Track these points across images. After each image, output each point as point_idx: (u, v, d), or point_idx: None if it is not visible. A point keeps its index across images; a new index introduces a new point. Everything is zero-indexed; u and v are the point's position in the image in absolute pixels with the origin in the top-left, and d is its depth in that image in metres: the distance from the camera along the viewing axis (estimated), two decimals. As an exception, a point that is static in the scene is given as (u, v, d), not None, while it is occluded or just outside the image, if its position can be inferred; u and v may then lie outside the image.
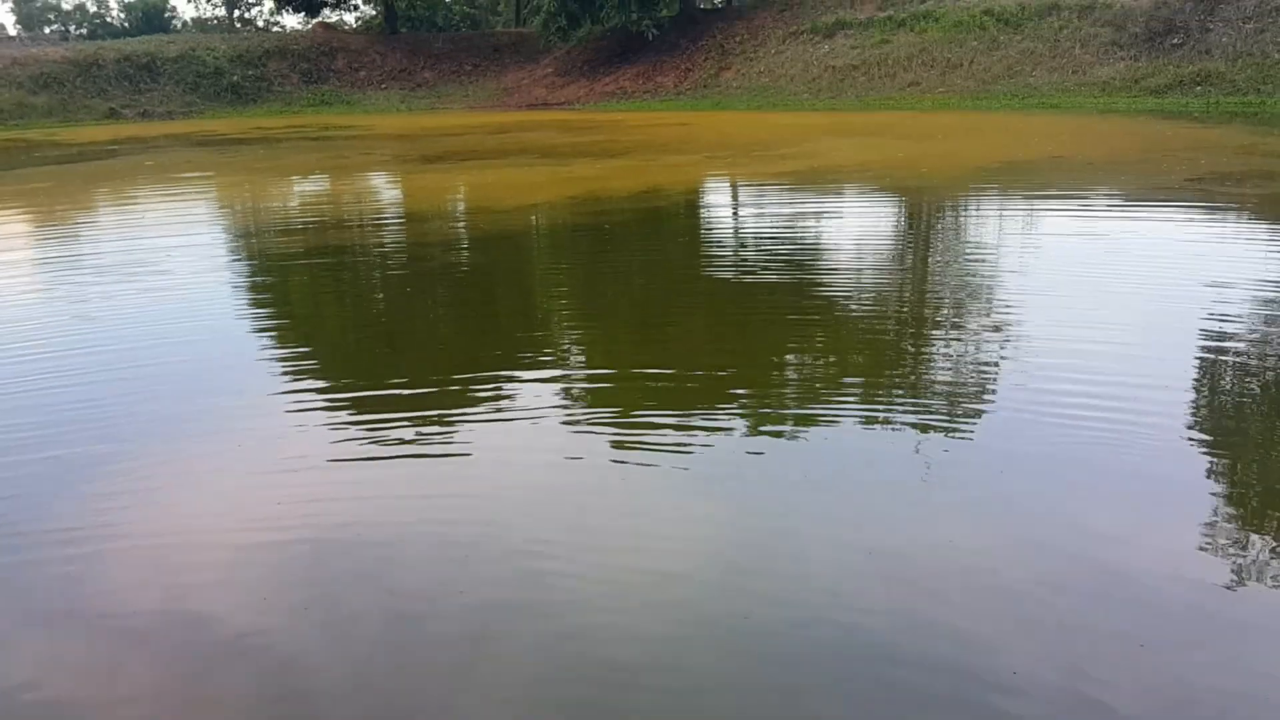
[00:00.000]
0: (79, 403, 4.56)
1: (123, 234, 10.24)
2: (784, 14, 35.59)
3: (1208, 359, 4.64)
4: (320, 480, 3.60)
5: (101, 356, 5.34)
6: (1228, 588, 2.69)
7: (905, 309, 5.88)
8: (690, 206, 10.97)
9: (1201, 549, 2.91)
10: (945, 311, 5.74)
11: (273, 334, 5.93)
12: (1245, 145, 14.06)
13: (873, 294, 6.36)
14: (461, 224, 10.47)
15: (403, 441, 3.92)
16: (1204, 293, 5.77)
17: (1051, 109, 22.74)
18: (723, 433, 3.90)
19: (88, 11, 74.65)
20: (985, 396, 4.24)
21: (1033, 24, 27.36)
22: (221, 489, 3.57)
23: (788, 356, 5.08)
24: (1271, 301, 5.63)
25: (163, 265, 7.95)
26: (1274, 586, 2.72)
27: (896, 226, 9.00)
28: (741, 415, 4.13)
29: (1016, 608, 2.64)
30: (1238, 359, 4.64)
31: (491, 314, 6.41)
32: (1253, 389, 4.35)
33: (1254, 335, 5.03)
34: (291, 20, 55.00)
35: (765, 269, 7.11)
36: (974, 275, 6.66)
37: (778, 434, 3.91)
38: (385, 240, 9.40)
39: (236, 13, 67.23)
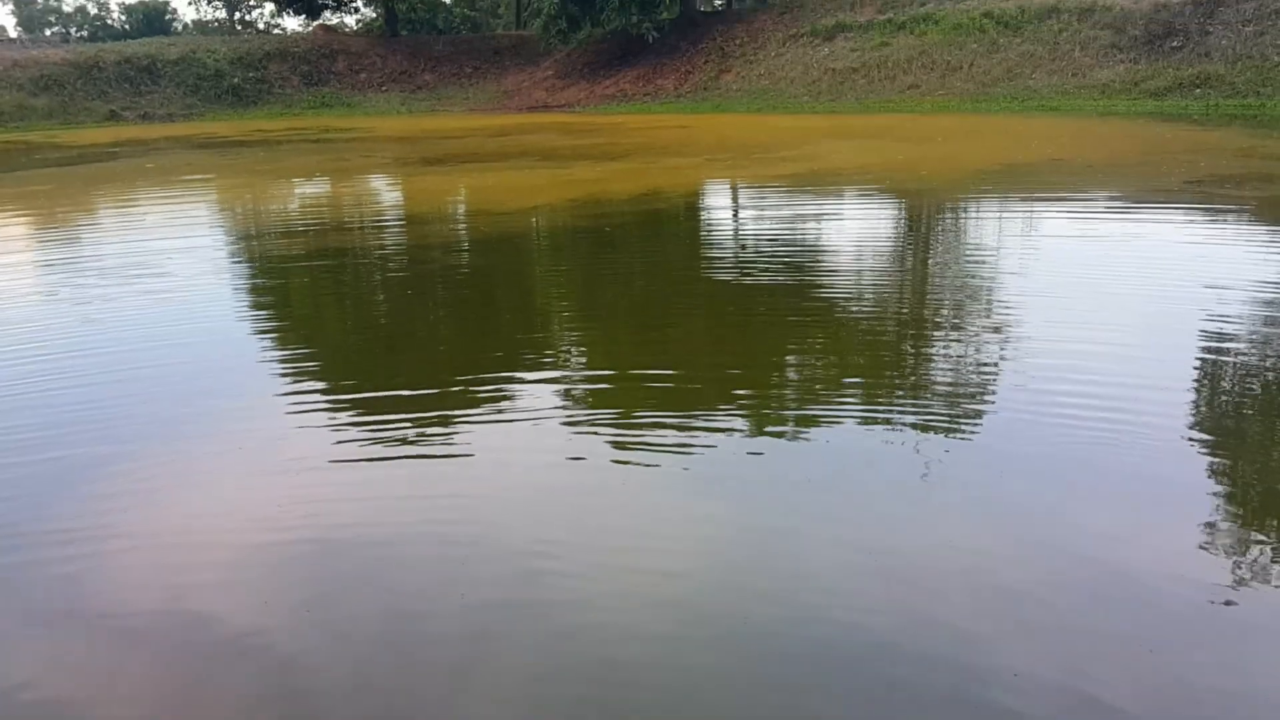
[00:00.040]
0: (79, 404, 4.56)
1: (123, 236, 10.25)
2: (784, 17, 35.64)
3: (1207, 360, 4.64)
4: (321, 481, 3.60)
5: (102, 358, 5.34)
6: (1228, 588, 2.69)
7: (905, 310, 5.88)
8: (690, 209, 10.98)
9: (1201, 549, 2.91)
10: (945, 313, 5.74)
11: (273, 336, 5.93)
12: (1244, 148, 14.08)
13: (873, 296, 6.37)
14: (462, 226, 10.47)
15: (403, 442, 3.92)
16: (1203, 294, 5.77)
17: (1051, 111, 22.76)
18: (723, 433, 3.91)
19: (88, 14, 74.80)
20: (985, 397, 4.24)
21: (1032, 27, 27.39)
22: (222, 490, 3.57)
23: (788, 358, 5.08)
24: (1270, 303, 5.64)
25: (163, 268, 7.95)
26: (1274, 586, 2.72)
27: (896, 229, 9.01)
28: (742, 416, 4.14)
29: (1016, 608, 2.64)
30: (1237, 360, 4.64)
31: (492, 316, 6.41)
32: (1252, 390, 4.35)
33: (1253, 337, 5.04)
34: (292, 23, 55.09)
35: (766, 271, 7.11)
36: (974, 277, 6.67)
37: (778, 434, 3.91)
38: (386, 242, 9.41)
39: (237, 15, 67.33)
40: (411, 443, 3.92)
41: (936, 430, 3.85)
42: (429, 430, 4.08)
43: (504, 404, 4.42)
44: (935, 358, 4.91)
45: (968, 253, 7.56)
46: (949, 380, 4.54)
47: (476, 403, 4.43)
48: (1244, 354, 4.74)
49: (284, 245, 9.16)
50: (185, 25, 69.71)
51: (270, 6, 53.67)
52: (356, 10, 49.47)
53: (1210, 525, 3.05)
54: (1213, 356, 4.69)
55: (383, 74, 42.10)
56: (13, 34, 65.69)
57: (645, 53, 36.73)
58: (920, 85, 27.85)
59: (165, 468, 3.77)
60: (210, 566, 3.01)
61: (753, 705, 2.29)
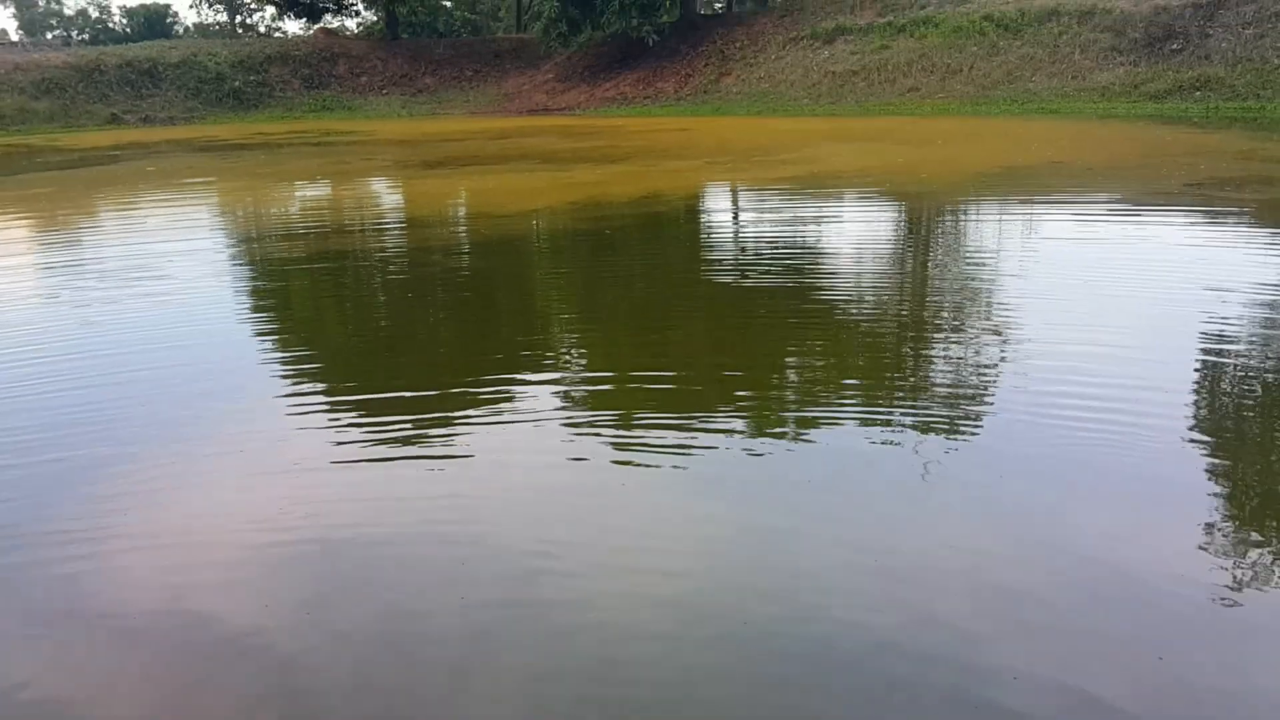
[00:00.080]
0: (80, 406, 4.57)
1: (125, 239, 10.27)
2: (784, 20, 35.71)
3: (1207, 362, 4.65)
4: (321, 482, 3.61)
5: (103, 360, 5.35)
6: (1228, 589, 2.69)
7: (906, 313, 5.89)
8: (691, 212, 10.99)
9: (1201, 550, 2.91)
10: (945, 315, 5.75)
11: (274, 338, 5.94)
12: (1244, 150, 14.09)
13: (873, 298, 6.37)
14: (463, 229, 10.49)
15: (404, 444, 3.93)
16: (1203, 297, 5.78)
17: (1051, 114, 22.78)
18: (723, 434, 3.91)
19: (90, 17, 74.95)
20: (985, 398, 4.25)
21: (1032, 29, 27.43)
22: (222, 491, 3.57)
23: (788, 359, 5.09)
24: (1270, 305, 5.64)
25: (164, 270, 7.96)
26: (1275, 587, 2.72)
27: (897, 231, 9.02)
28: (742, 417, 4.14)
29: (1017, 608, 2.64)
30: (1237, 362, 4.65)
31: (492, 318, 6.42)
32: (1252, 392, 4.35)
33: (1253, 339, 5.04)
34: (293, 26, 55.38)
35: (766, 273, 7.12)
36: (974, 279, 6.67)
37: (778, 436, 3.91)
38: (387, 245, 9.42)
39: (238, 18, 67.46)
40: (412, 444, 3.93)
41: (936, 431, 3.85)
42: (429, 432, 4.08)
43: (504, 405, 4.42)
44: (935, 359, 4.91)
45: (968, 255, 7.57)
46: (949, 381, 4.55)
47: (477, 404, 4.43)
48: (1244, 356, 4.75)
49: (285, 248, 9.17)
50: (186, 28, 69.84)
51: (271, 10, 53.82)
52: (357, 14, 49.63)
53: (1210, 526, 3.05)
54: (1213, 358, 4.70)
55: (383, 77, 42.17)
56: (14, 37, 65.81)
57: (645, 56, 36.79)
58: (920, 88, 27.88)
59: (166, 469, 3.78)
60: (210, 567, 3.02)
61: (753, 705, 2.30)
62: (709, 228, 9.77)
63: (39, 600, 2.86)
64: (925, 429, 3.87)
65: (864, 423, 3.99)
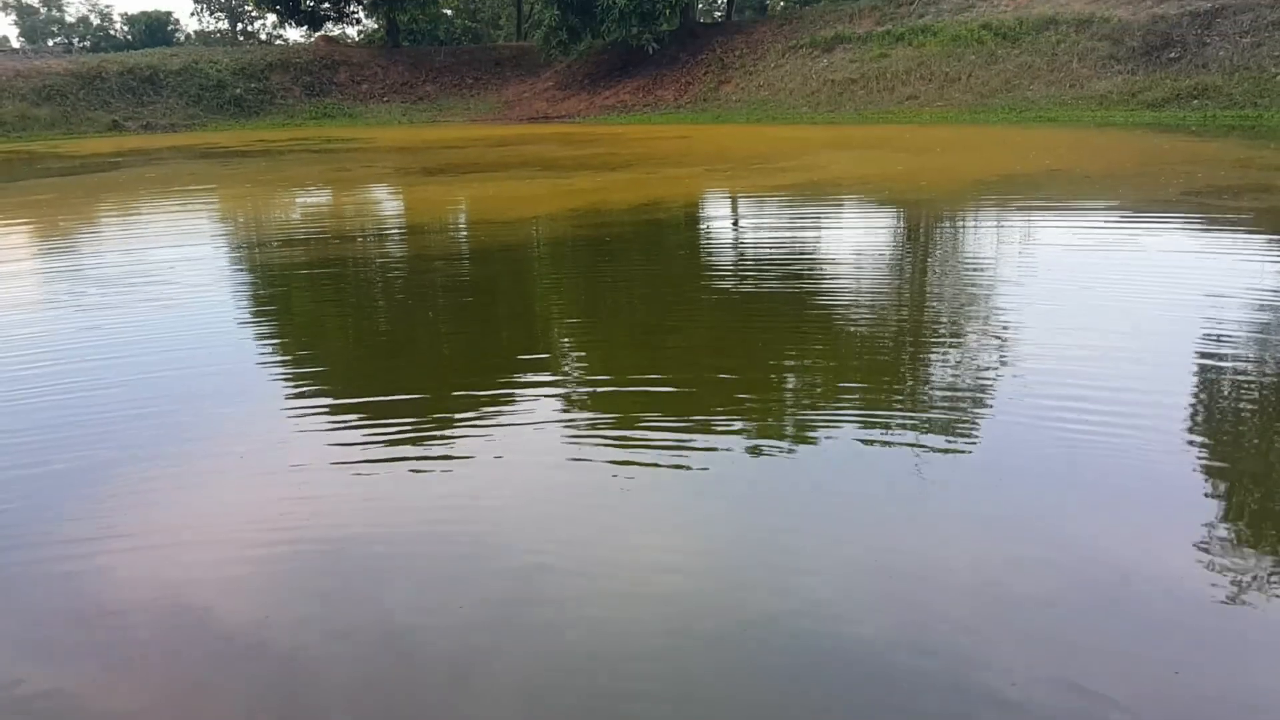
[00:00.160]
0: (82, 409, 4.58)
1: (126, 246, 10.29)
2: (783, 28, 35.86)
3: (1206, 369, 4.67)
4: (322, 485, 3.62)
5: (105, 364, 5.37)
6: (1227, 599, 2.70)
7: (905, 320, 5.91)
8: (690, 219, 11.03)
9: (1201, 555, 2.92)
10: (944, 323, 5.77)
11: (275, 344, 5.96)
12: (1242, 159, 14.14)
13: (872, 306, 6.39)
14: (463, 236, 10.51)
15: (405, 447, 3.94)
16: (1202, 304, 5.80)
17: (1049, 123, 22.86)
18: (723, 442, 3.93)
19: (91, 24, 75.09)
20: (984, 406, 4.26)
21: (1030, 38, 27.54)
22: (224, 494, 3.59)
23: (788, 366, 5.11)
24: (1269, 312, 5.67)
25: (166, 277, 7.98)
26: (1274, 597, 2.73)
27: (896, 238, 9.05)
28: (742, 425, 4.16)
29: (1014, 618, 2.65)
30: (1236, 369, 4.67)
31: (493, 324, 6.44)
32: (1251, 399, 4.37)
33: (1252, 345, 5.07)
34: (294, 33, 55.41)
35: (765, 281, 7.14)
36: (973, 287, 6.70)
37: (778, 443, 3.93)
38: (387, 252, 9.45)
39: (239, 26, 67.67)
40: (412, 447, 3.94)
41: (935, 436, 3.87)
42: (430, 435, 4.10)
43: (504, 409, 4.44)
44: (934, 366, 4.94)
45: (966, 263, 7.60)
46: (948, 386, 4.56)
47: (477, 408, 4.45)
48: (1243, 362, 4.77)
49: (286, 255, 9.19)
50: (188, 36, 70.02)
51: (272, 18, 53.96)
52: (358, 21, 49.82)
53: (1210, 530, 3.06)
54: (1212, 365, 4.72)
55: (384, 85, 42.30)
56: (15, 44, 66.04)
57: (645, 64, 36.92)
58: (919, 96, 27.98)
59: (167, 471, 3.79)
60: (211, 570, 3.03)
61: (751, 708, 2.31)
62: (709, 235, 9.81)
63: (40, 601, 2.88)
64: (924, 433, 3.89)
65: (863, 427, 4.01)
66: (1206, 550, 2.96)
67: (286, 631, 2.68)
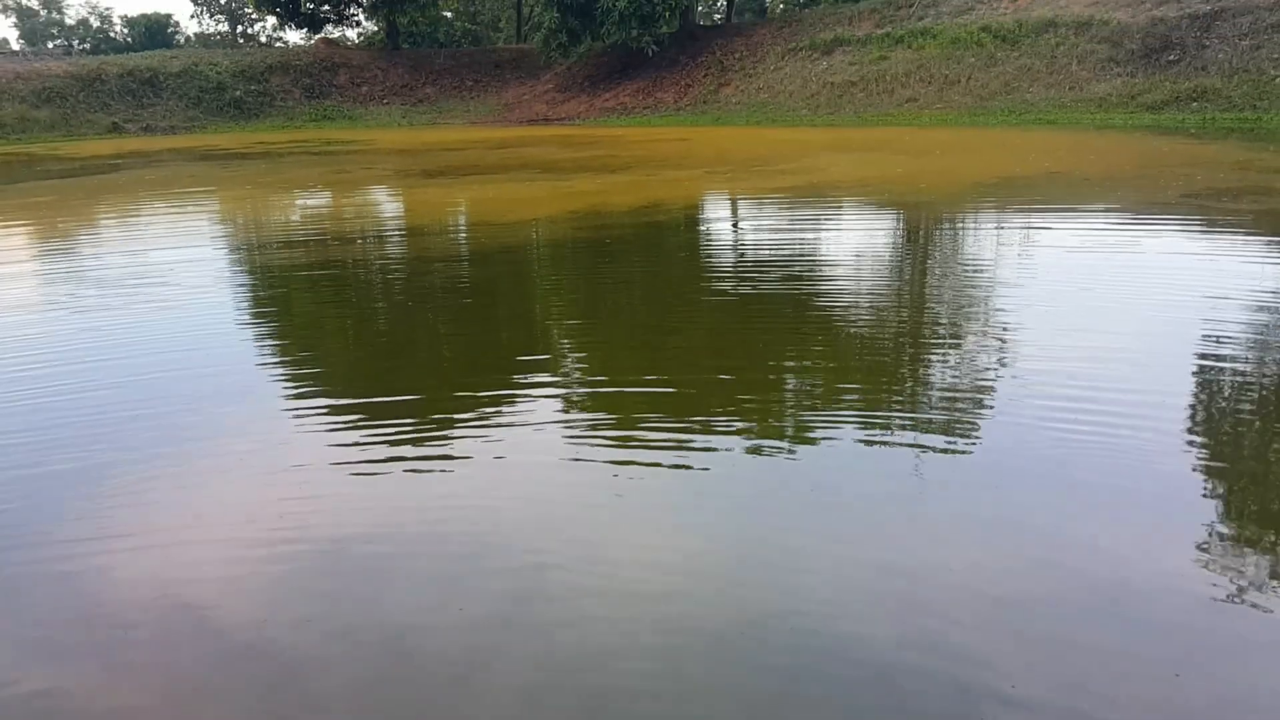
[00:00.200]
0: (82, 410, 4.58)
1: (126, 247, 10.29)
2: (783, 30, 35.90)
3: (1205, 371, 4.67)
4: (322, 487, 3.62)
5: (105, 365, 5.37)
6: (1226, 601, 2.70)
7: (904, 323, 5.91)
8: (690, 221, 11.03)
9: (1201, 562, 2.92)
10: (944, 325, 5.78)
11: (274, 346, 5.96)
12: (1241, 161, 14.15)
13: (872, 308, 6.40)
14: (463, 238, 10.52)
15: (404, 449, 3.94)
16: (1201, 306, 5.81)
17: (1048, 125, 22.88)
18: (723, 443, 3.93)
19: (91, 26, 75.12)
20: (983, 409, 4.27)
21: (1030, 41, 27.57)
22: (224, 496, 3.59)
23: (787, 368, 5.11)
24: (1268, 314, 5.67)
25: (165, 278, 7.99)
26: (1274, 598, 2.73)
27: (895, 241, 9.05)
28: (741, 428, 4.16)
29: (1014, 618, 2.65)
30: (1235, 371, 4.67)
31: (493, 326, 6.44)
32: (1250, 400, 4.37)
33: (1251, 348, 5.07)
34: (294, 36, 55.49)
35: (765, 282, 7.15)
36: (972, 288, 6.71)
37: (777, 444, 3.93)
38: (387, 254, 9.45)
39: (239, 28, 67.74)
40: (412, 449, 3.94)
41: (934, 442, 3.87)
42: (430, 436, 4.10)
43: (504, 411, 4.44)
44: (934, 370, 4.94)
45: (966, 265, 7.60)
46: (947, 392, 4.57)
47: (477, 413, 4.45)
48: (1243, 364, 4.77)
49: (285, 256, 9.20)
50: (187, 38, 70.06)
51: (272, 20, 53.97)
52: (358, 24, 49.82)
53: (1209, 537, 3.06)
54: (1211, 367, 4.72)
55: (384, 87, 42.33)
56: (15, 46, 66.05)
57: (645, 66, 36.96)
58: (918, 99, 28.01)
59: (167, 473, 3.79)
60: (211, 571, 3.03)
61: (750, 711, 2.31)
62: (708, 237, 9.81)
63: (40, 601, 2.88)
64: (923, 440, 3.89)
65: (863, 433, 4.01)
66: (1206, 550, 2.96)
67: (287, 631, 2.68)
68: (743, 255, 8.49)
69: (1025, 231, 9.05)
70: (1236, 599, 2.71)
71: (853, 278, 7.36)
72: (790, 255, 8.24)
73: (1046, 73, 26.25)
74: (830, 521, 3.24)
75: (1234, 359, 4.85)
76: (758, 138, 23.47)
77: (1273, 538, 3.08)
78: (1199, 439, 3.85)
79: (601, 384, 4.92)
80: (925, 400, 4.40)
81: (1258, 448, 3.85)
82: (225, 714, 2.37)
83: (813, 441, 3.94)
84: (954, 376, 4.76)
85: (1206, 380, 4.55)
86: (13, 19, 74.62)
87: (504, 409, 4.48)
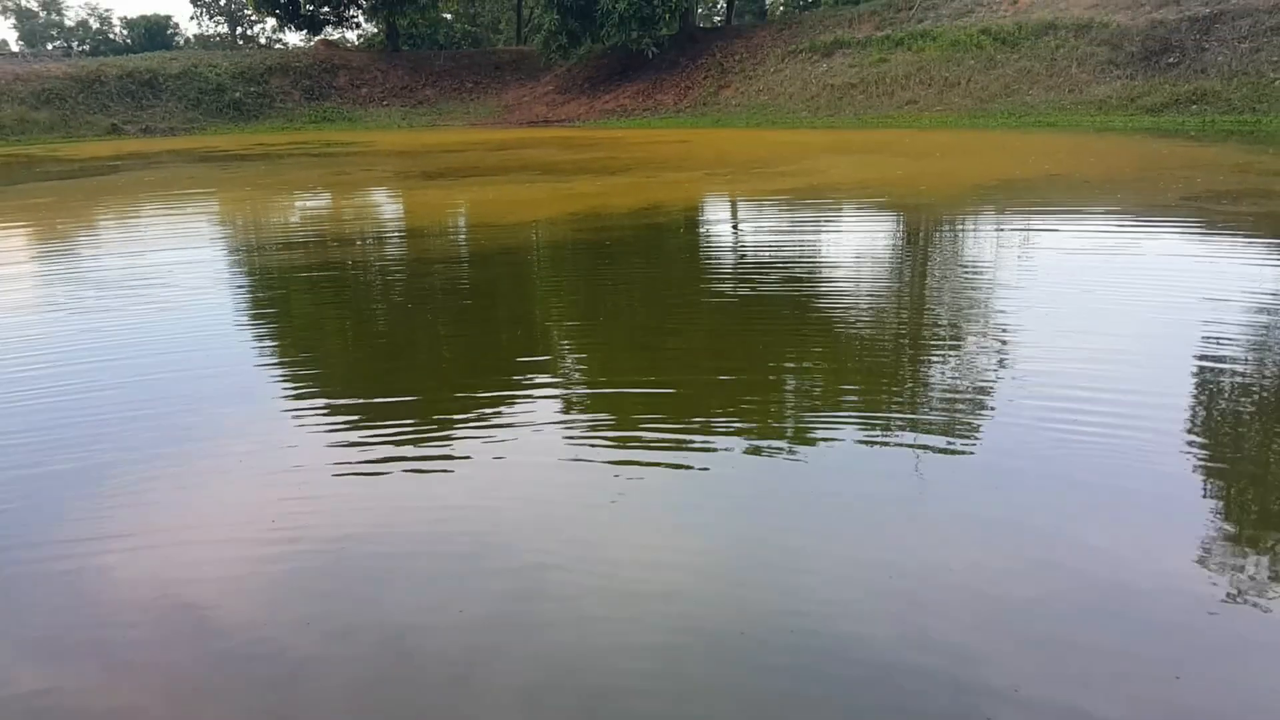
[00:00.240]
0: (82, 411, 4.58)
1: (125, 249, 10.29)
2: (783, 33, 35.92)
3: (1205, 373, 4.67)
4: (322, 490, 3.62)
5: (105, 366, 5.37)
6: (1227, 602, 2.70)
7: (904, 325, 5.92)
8: (690, 223, 11.04)
9: (1201, 562, 2.92)
10: (944, 327, 5.78)
11: (275, 347, 5.96)
12: (1241, 163, 14.16)
13: (873, 310, 6.40)
14: (463, 240, 10.52)
15: (404, 450, 3.94)
16: (1201, 308, 5.81)
17: (1048, 127, 22.89)
18: (723, 443, 3.93)
19: (90, 28, 75.18)
20: (983, 411, 4.27)
21: (1029, 43, 27.59)
22: (223, 497, 3.59)
23: (787, 369, 5.11)
24: (1267, 315, 5.67)
25: (165, 280, 7.99)
26: (1273, 600, 2.73)
27: (895, 243, 9.06)
28: (741, 429, 4.16)
29: (1014, 618, 2.65)
30: (1235, 373, 4.67)
31: (492, 328, 6.44)
32: (1250, 402, 4.37)
33: (1251, 350, 5.07)
34: (294, 38, 55.54)
35: (765, 284, 7.15)
36: (972, 291, 6.71)
37: (777, 445, 3.93)
38: (387, 255, 9.45)
39: (239, 30, 67.78)
40: (412, 450, 3.94)
41: (934, 444, 3.87)
42: (429, 438, 4.10)
43: (504, 416, 4.44)
44: (934, 371, 4.94)
45: (966, 266, 7.61)
46: (947, 394, 4.57)
47: (477, 414, 4.45)
48: (1241, 366, 4.77)
49: (285, 258, 9.20)
50: (187, 40, 70.08)
51: (272, 21, 53.97)
52: (358, 25, 49.82)
53: (1209, 539, 3.06)
54: (1211, 369, 4.72)
55: (384, 88, 42.34)
56: (14, 48, 66.06)
57: (645, 68, 36.97)
58: (918, 101, 28.03)
59: (167, 474, 3.79)
60: (211, 572, 3.03)
61: (750, 711, 2.31)
62: (708, 239, 9.82)
63: (40, 601, 2.87)
64: (923, 441, 3.89)
65: (863, 435, 4.01)
66: (1206, 550, 2.96)
67: (287, 632, 2.68)
68: (742, 257, 8.49)
69: (1025, 234, 9.05)
70: (1236, 599, 2.71)
71: (853, 279, 7.36)
72: (790, 257, 8.24)
73: (1046, 75, 26.27)
74: (830, 521, 3.24)
75: (1233, 360, 4.85)
76: (758, 140, 23.49)
77: (1273, 538, 3.08)
78: (1199, 439, 3.85)
79: (601, 385, 4.93)
80: (925, 401, 4.40)
81: (1257, 448, 3.85)
82: (225, 714, 2.37)
83: (813, 442, 3.94)
84: (954, 377, 4.76)
85: (1206, 381, 4.56)
86: (12, 20, 74.72)
87: (504, 410, 4.48)
